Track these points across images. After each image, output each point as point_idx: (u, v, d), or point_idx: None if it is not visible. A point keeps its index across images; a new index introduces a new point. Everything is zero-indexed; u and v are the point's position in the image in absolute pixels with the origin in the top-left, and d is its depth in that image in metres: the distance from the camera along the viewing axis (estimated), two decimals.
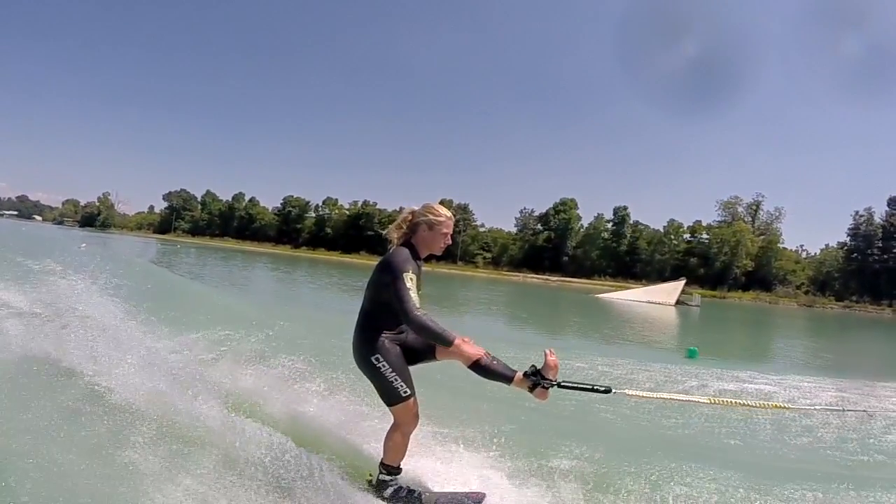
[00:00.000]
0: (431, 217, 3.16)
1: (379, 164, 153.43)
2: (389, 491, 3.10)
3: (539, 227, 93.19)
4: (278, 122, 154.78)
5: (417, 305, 2.91)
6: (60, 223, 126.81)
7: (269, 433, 3.30)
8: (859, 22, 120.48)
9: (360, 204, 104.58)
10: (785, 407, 5.09)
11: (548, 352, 3.09)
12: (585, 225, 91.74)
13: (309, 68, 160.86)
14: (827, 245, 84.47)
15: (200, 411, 3.44)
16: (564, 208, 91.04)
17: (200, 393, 3.72)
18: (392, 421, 3.12)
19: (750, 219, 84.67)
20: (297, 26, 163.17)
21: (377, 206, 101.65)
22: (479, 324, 17.43)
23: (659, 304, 40.21)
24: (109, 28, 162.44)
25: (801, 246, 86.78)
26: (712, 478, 3.53)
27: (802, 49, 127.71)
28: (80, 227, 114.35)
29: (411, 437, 3.17)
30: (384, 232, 3.28)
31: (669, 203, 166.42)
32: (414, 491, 3.16)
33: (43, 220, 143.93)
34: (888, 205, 78.11)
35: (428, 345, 3.13)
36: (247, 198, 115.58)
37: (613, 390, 3.14)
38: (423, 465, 3.42)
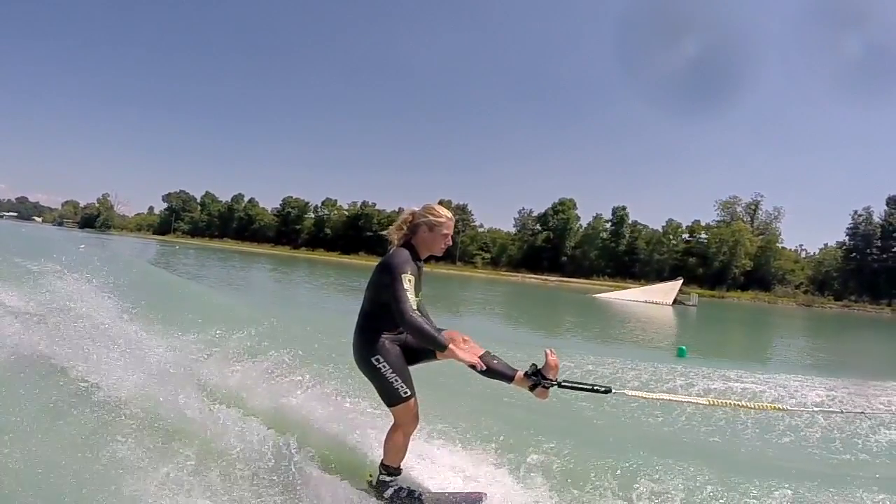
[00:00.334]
0: (432, 218, 3.17)
1: (378, 164, 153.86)
2: (390, 491, 3.10)
3: (538, 227, 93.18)
4: (278, 123, 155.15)
5: (414, 307, 2.90)
6: (60, 224, 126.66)
7: (248, 424, 3.37)
8: (859, 22, 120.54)
9: (359, 205, 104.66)
10: (782, 409, 5.11)
11: (548, 351, 3.11)
12: (584, 225, 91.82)
13: (308, 69, 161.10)
14: (826, 245, 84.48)
15: (183, 405, 3.50)
16: (563, 208, 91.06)
17: (186, 388, 3.79)
18: (392, 422, 3.12)
19: (749, 219, 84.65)
20: (297, 27, 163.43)
21: (376, 207, 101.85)
22: (472, 323, 17.43)
23: (656, 303, 40.25)
24: (109, 28, 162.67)
25: (801, 246, 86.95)
26: (684, 474, 3.55)
27: (802, 49, 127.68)
28: (79, 228, 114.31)
29: (412, 437, 3.17)
30: (385, 233, 3.29)
31: (668, 203, 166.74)
32: (414, 491, 3.16)
33: (43, 221, 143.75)
34: (887, 204, 78.05)
35: None
36: (246, 199, 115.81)
37: (613, 390, 3.18)
38: (423, 464, 3.44)
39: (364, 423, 3.83)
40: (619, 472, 3.56)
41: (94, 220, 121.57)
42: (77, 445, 2.97)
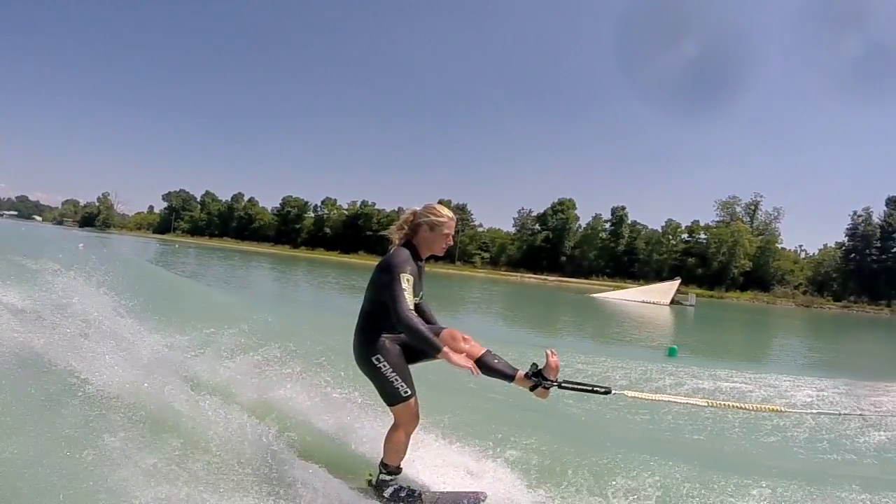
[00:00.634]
0: (433, 218, 3.16)
1: (377, 164, 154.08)
2: (390, 491, 3.11)
3: (537, 227, 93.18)
4: (277, 123, 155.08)
5: (411, 307, 2.91)
6: (60, 223, 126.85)
7: (234, 415, 3.42)
8: (859, 22, 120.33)
9: (358, 204, 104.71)
10: (780, 410, 5.11)
11: (549, 352, 3.11)
12: (583, 225, 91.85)
13: (308, 68, 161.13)
14: (825, 245, 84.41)
15: (172, 398, 3.54)
16: (562, 208, 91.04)
17: (176, 382, 3.84)
18: (392, 421, 3.13)
19: (748, 219, 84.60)
20: (296, 26, 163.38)
21: (375, 207, 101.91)
22: (468, 322, 17.36)
23: (653, 303, 40.28)
24: (109, 27, 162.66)
25: (800, 246, 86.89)
26: (661, 471, 3.57)
27: (802, 49, 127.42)
28: (79, 227, 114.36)
29: (412, 436, 3.17)
30: (386, 232, 3.29)
31: (668, 203, 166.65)
32: (414, 490, 3.16)
33: (43, 220, 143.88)
34: (886, 205, 78.05)
35: None
36: (246, 198, 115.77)
37: (613, 391, 3.19)
38: (423, 463, 3.45)
39: (358, 416, 3.89)
40: (596, 469, 3.61)
41: (93, 218, 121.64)
42: (66, 438, 3.00)
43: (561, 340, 15.16)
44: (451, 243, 3.26)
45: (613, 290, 49.72)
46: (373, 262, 3.36)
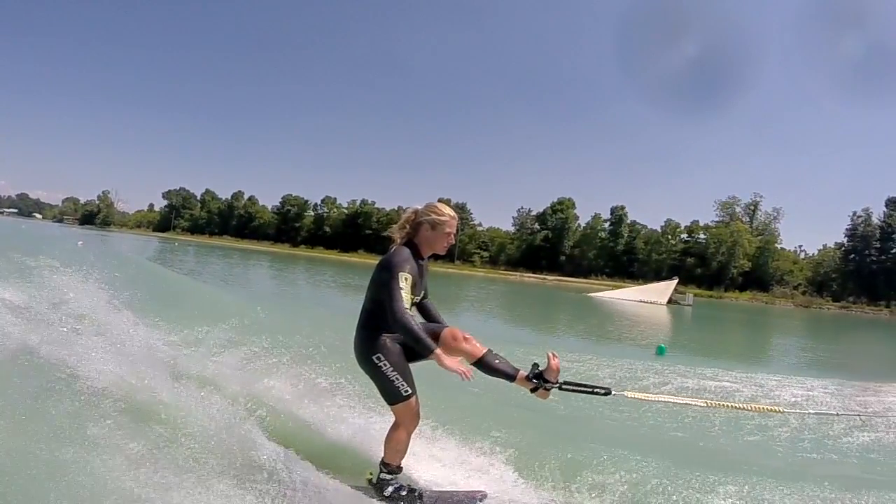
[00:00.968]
0: (434, 217, 3.16)
1: (377, 163, 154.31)
2: (390, 489, 3.10)
3: (536, 226, 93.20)
4: (277, 121, 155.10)
5: (407, 306, 2.91)
6: (60, 221, 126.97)
7: (216, 405, 3.47)
8: (859, 22, 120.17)
9: (358, 203, 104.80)
10: (779, 410, 5.08)
11: (551, 355, 3.12)
12: (583, 224, 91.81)
13: (308, 67, 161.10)
14: (825, 246, 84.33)
15: (158, 390, 3.59)
16: (562, 208, 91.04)
17: (164, 375, 3.90)
18: (393, 420, 3.13)
19: (748, 219, 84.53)
20: (296, 26, 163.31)
21: (375, 206, 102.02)
22: (463, 321, 17.31)
23: (650, 303, 40.40)
24: (109, 26, 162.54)
25: (800, 246, 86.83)
26: (631, 467, 3.57)
27: (802, 49, 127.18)
28: (79, 225, 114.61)
29: (413, 435, 3.17)
30: (388, 231, 3.28)
31: (667, 203, 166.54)
32: (415, 490, 3.16)
33: (43, 218, 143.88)
34: (886, 205, 77.98)
35: None
36: (246, 196, 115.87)
37: (613, 392, 3.22)
38: (424, 463, 3.46)
39: (341, 406, 3.93)
40: (567, 463, 3.64)
41: (94, 216, 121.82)
42: (53, 427, 3.07)
43: (552, 339, 15.17)
44: (453, 242, 3.26)
45: (611, 289, 49.78)
46: (372, 260, 3.39)
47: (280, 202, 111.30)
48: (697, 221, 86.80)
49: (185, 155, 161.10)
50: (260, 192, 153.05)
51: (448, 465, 3.54)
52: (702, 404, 4.51)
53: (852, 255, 78.77)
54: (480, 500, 3.18)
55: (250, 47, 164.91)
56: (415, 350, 3.10)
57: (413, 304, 3.11)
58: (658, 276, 69.24)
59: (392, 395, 3.05)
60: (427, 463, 3.48)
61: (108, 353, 4.13)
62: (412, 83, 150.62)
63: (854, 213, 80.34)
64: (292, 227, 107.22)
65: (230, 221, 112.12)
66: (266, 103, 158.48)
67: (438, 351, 2.88)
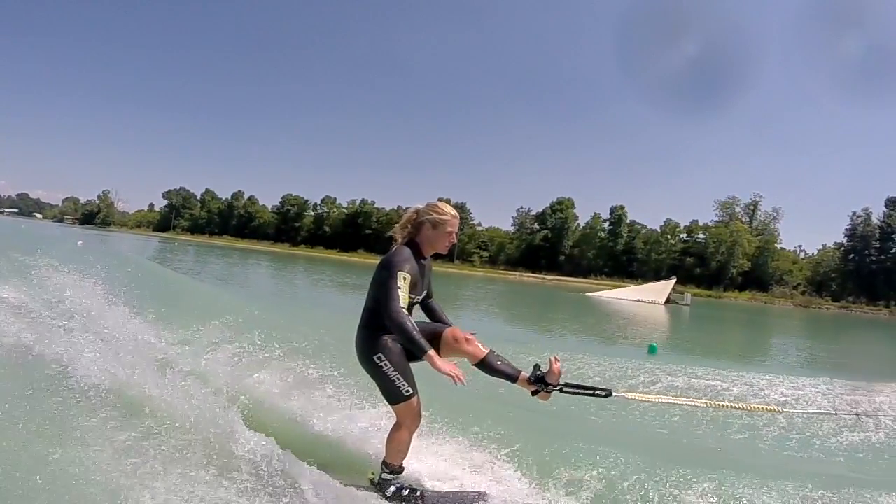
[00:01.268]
0: (435, 216, 3.16)
1: (377, 163, 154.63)
2: (392, 489, 3.10)
3: (536, 226, 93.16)
4: (277, 121, 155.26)
5: (404, 305, 2.91)
6: (60, 221, 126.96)
7: (205, 398, 3.50)
8: (859, 22, 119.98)
9: (358, 202, 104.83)
10: (778, 410, 5.09)
11: (553, 359, 3.15)
12: (582, 224, 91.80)
13: (308, 67, 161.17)
14: (824, 245, 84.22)
15: (149, 384, 3.64)
16: (561, 207, 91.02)
17: (155, 370, 3.95)
18: (395, 420, 3.13)
19: (747, 219, 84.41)
20: (296, 25, 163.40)
21: (375, 205, 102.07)
22: (455, 321, 17.10)
23: (648, 302, 40.35)
24: (109, 26, 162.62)
25: (799, 246, 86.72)
26: (607, 463, 3.58)
27: (802, 49, 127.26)
28: (79, 224, 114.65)
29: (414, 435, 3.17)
30: (391, 231, 3.28)
31: (667, 203, 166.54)
32: (416, 490, 3.15)
33: (43, 217, 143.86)
34: (886, 205, 77.89)
35: (430, 341, 3.07)
36: (246, 196, 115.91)
37: (614, 394, 3.25)
38: (425, 463, 3.46)
39: (328, 400, 3.99)
40: (531, 457, 3.64)
41: (94, 216, 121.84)
42: (44, 423, 3.13)
43: (546, 338, 15.16)
44: (455, 241, 3.27)
45: (610, 289, 49.76)
46: (371, 260, 3.46)
47: (280, 202, 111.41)
48: (697, 221, 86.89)
49: (185, 155, 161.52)
50: (260, 191, 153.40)
51: (449, 464, 3.56)
52: (702, 405, 4.48)
53: (852, 255, 78.67)
54: (481, 501, 3.19)
55: (250, 47, 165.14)
56: None
57: (413, 303, 3.14)
58: (657, 275, 69.13)
59: (393, 395, 3.06)
60: (429, 463, 3.50)
61: (101, 349, 4.19)
62: (412, 83, 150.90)
63: (854, 213, 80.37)
64: (292, 227, 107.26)
65: (230, 221, 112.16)
66: (266, 103, 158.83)
67: (431, 352, 2.87)
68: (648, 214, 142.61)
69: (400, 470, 3.16)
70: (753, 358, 15.93)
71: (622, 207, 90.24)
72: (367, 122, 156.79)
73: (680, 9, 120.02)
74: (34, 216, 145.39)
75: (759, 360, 15.20)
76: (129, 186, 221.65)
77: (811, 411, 6.47)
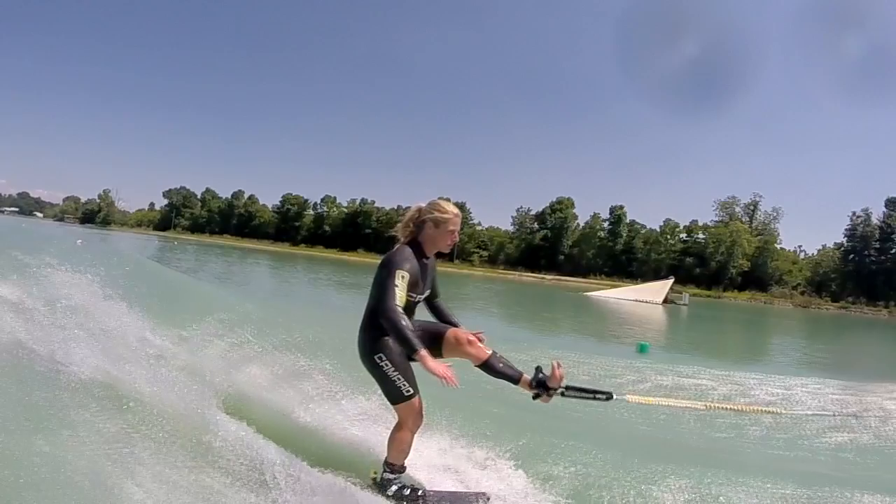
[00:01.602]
0: (438, 214, 3.14)
1: (377, 162, 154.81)
2: (393, 489, 3.10)
3: (535, 225, 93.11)
4: (277, 120, 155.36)
5: (400, 304, 2.89)
6: (61, 220, 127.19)
7: (194, 391, 3.56)
8: (859, 22, 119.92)
9: (358, 202, 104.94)
10: (777, 412, 5.09)
11: (555, 364, 3.15)
12: (582, 224, 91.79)
13: (308, 66, 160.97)
14: (824, 246, 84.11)
15: (140, 378, 3.66)
16: (561, 207, 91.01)
17: (150, 365, 4.01)
18: (397, 420, 3.13)
19: (747, 219, 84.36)
20: (297, 24, 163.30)
21: (375, 205, 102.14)
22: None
23: (647, 302, 40.34)
24: (110, 26, 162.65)
25: (799, 246, 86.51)
26: (582, 459, 3.59)
27: (802, 49, 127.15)
28: (80, 223, 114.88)
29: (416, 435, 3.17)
30: (393, 230, 3.26)
31: (666, 203, 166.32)
32: (418, 489, 3.15)
33: (44, 216, 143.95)
34: (885, 206, 77.85)
35: (432, 342, 3.08)
36: (246, 195, 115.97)
37: (615, 396, 3.27)
38: (425, 462, 3.46)
39: (315, 394, 4.02)
40: (508, 452, 3.66)
41: (94, 215, 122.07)
42: (40, 419, 3.18)
43: (540, 337, 15.18)
44: (457, 239, 3.24)
45: (609, 288, 49.81)
46: (371, 259, 3.48)
47: (280, 201, 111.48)
48: (696, 221, 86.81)
49: (185, 154, 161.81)
50: (260, 191, 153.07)
51: (451, 465, 3.56)
52: (702, 407, 4.48)
53: (851, 256, 78.62)
54: (483, 502, 3.18)
55: (251, 47, 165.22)
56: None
57: (414, 303, 3.15)
58: (657, 275, 69.06)
59: (394, 395, 3.05)
60: (430, 463, 3.50)
61: (94, 345, 4.25)
62: (412, 83, 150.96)
63: (853, 214, 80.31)
64: (292, 226, 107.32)
65: (230, 220, 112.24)
66: (266, 103, 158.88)
67: (423, 352, 2.83)
68: (648, 214, 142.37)
69: (401, 470, 3.16)
70: (747, 358, 15.91)
71: (622, 207, 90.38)
72: (368, 122, 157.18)
73: (680, 9, 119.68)
74: (35, 215, 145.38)
75: (752, 360, 15.16)
76: (130, 186, 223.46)
77: (809, 412, 6.49)
